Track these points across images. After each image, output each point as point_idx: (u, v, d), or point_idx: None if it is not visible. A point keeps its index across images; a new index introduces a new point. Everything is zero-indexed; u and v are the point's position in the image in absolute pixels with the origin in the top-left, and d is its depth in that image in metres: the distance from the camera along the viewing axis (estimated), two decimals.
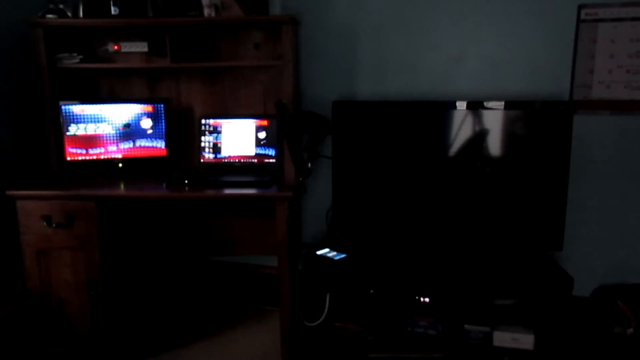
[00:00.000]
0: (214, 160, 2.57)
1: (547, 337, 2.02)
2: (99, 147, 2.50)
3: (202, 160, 2.58)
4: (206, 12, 2.34)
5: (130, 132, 2.54)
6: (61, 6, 2.39)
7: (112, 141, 2.52)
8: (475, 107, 2.20)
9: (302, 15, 2.52)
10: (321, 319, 2.24)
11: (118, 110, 2.51)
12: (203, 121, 2.58)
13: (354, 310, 2.27)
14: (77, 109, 2.45)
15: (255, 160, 2.56)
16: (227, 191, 2.20)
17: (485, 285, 2.06)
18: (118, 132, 2.52)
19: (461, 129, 2.24)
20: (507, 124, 2.19)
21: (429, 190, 2.31)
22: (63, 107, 2.42)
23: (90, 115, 2.47)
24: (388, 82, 2.49)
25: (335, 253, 2.30)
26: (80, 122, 2.46)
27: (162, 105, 2.56)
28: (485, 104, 2.18)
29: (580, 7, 2.20)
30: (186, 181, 2.31)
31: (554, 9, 2.23)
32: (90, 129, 2.48)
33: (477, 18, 2.33)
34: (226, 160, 2.57)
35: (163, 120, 2.57)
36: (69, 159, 2.46)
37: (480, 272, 2.10)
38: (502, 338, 2.04)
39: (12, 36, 2.43)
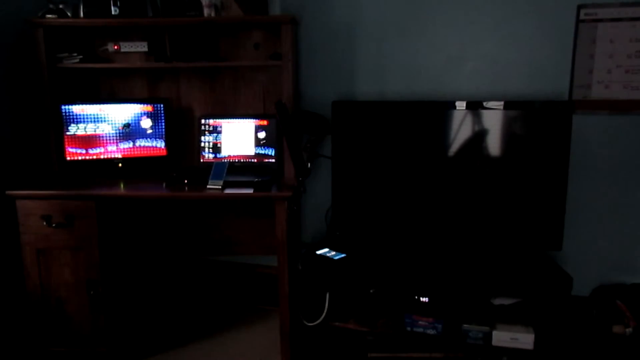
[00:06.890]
0: (213, 160, 2.57)
1: (546, 336, 2.02)
2: (99, 147, 2.51)
3: (202, 160, 2.58)
4: (206, 12, 2.34)
5: (130, 132, 2.54)
6: (61, 6, 2.40)
7: (112, 141, 2.52)
8: (475, 107, 2.20)
9: (302, 15, 2.52)
10: (321, 319, 2.24)
11: (118, 110, 2.51)
12: (203, 121, 2.58)
13: (354, 309, 2.27)
14: (77, 108, 2.45)
15: (255, 160, 2.56)
16: (227, 191, 2.20)
17: (485, 284, 2.06)
18: (118, 132, 2.52)
19: (461, 129, 2.24)
20: (506, 124, 2.20)
21: (429, 190, 2.32)
22: (63, 107, 2.43)
23: (90, 115, 2.47)
24: (388, 82, 2.49)
25: (334, 253, 2.30)
26: (80, 122, 2.46)
27: (162, 105, 2.56)
28: (484, 104, 2.19)
29: (580, 7, 2.20)
30: (186, 181, 2.32)
31: (554, 9, 2.23)
32: (90, 129, 2.48)
33: (476, 18, 2.33)
34: (226, 160, 2.57)
35: (163, 120, 2.57)
36: (69, 158, 2.46)
37: (480, 272, 2.11)
38: (501, 338, 2.04)
39: (12, 36, 2.43)
